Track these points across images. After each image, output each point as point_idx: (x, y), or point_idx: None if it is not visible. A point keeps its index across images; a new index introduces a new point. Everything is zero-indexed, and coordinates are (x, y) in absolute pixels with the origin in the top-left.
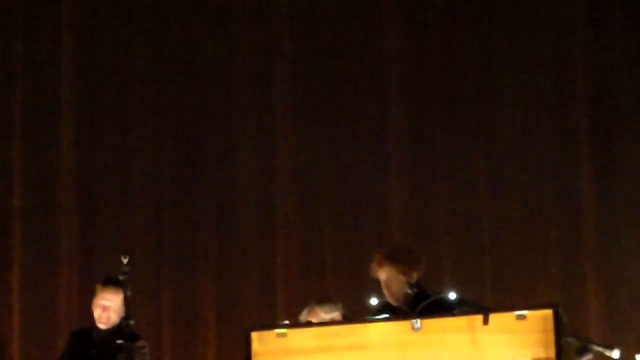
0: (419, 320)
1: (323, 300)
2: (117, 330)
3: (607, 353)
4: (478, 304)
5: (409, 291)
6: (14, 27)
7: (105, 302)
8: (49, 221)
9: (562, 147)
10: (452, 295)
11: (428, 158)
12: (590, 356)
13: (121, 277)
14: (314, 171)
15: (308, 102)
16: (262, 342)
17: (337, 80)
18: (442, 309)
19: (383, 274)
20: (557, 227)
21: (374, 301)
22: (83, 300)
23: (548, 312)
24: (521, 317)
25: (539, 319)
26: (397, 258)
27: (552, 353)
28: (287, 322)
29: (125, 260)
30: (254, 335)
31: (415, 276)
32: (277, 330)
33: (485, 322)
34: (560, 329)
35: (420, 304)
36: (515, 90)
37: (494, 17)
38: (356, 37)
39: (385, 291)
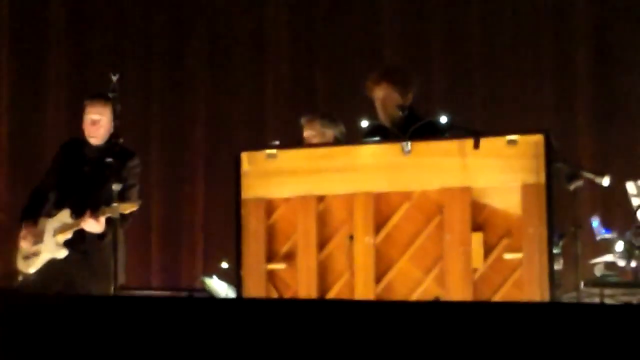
0: (409, 143)
1: (325, 115)
2: (108, 148)
3: (597, 180)
4: (469, 129)
5: (401, 113)
6: None
7: (94, 116)
8: (38, 40)
9: None
10: (444, 119)
11: None
12: (580, 182)
13: (110, 95)
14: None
15: None
16: (252, 163)
17: None
18: (433, 132)
19: (379, 92)
20: (550, 53)
21: (364, 123)
22: (72, 119)
23: (539, 138)
24: (512, 142)
25: (530, 144)
26: (393, 77)
27: (542, 178)
28: (277, 143)
29: (114, 78)
30: (244, 156)
31: (409, 97)
32: (267, 151)
33: (476, 146)
34: (550, 155)
35: (412, 127)
36: None
37: None
38: None
39: (379, 111)
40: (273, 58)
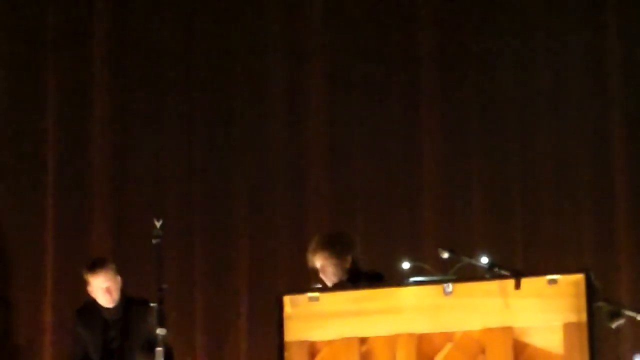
0: (451, 284)
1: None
2: (126, 304)
3: (639, 318)
4: (510, 269)
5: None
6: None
7: (105, 284)
8: (81, 186)
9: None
10: (484, 260)
11: (460, 127)
12: (622, 321)
13: (154, 241)
14: (345, 138)
15: (340, 70)
16: (295, 306)
17: (368, 47)
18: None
19: (318, 261)
20: (589, 190)
21: (406, 265)
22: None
23: (580, 277)
24: (553, 282)
25: (571, 283)
26: (330, 246)
27: (583, 318)
28: (319, 286)
29: (158, 223)
30: (286, 299)
31: (348, 260)
32: (310, 294)
33: (517, 286)
34: (591, 294)
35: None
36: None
37: None
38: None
39: (322, 277)
40: (313, 200)
